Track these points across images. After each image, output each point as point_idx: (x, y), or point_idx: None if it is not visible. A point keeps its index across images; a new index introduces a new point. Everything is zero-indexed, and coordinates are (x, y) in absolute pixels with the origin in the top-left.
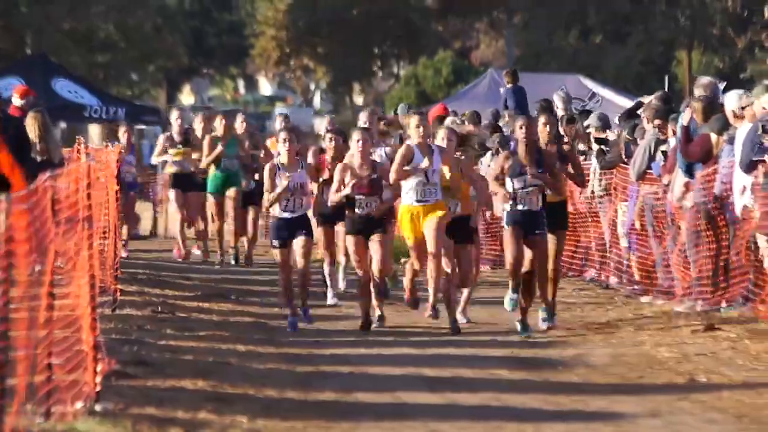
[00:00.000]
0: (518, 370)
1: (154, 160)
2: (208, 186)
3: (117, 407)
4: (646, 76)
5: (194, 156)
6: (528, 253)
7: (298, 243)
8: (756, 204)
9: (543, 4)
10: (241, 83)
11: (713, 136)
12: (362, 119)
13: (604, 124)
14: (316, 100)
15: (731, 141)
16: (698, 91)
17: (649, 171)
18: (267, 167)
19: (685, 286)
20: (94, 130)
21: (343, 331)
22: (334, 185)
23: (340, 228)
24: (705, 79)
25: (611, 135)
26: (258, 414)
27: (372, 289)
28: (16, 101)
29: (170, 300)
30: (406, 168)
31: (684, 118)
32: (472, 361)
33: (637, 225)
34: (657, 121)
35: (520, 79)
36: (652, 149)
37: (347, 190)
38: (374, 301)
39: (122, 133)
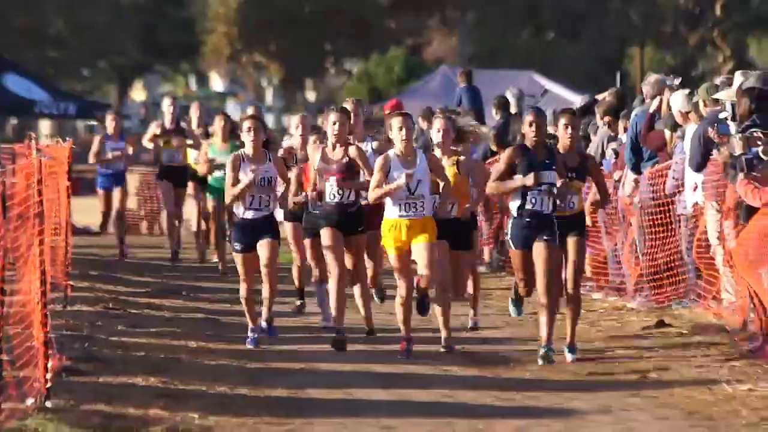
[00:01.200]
0: (470, 366)
1: (144, 142)
2: (210, 188)
3: (68, 403)
4: (599, 73)
5: (189, 143)
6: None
7: (262, 247)
8: (707, 202)
9: (496, 2)
10: (192, 79)
11: (667, 132)
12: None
13: (556, 119)
14: (268, 97)
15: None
16: (646, 88)
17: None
18: (230, 158)
19: (635, 282)
20: (45, 126)
21: (295, 328)
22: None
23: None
24: (653, 76)
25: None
26: (209, 410)
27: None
28: None
29: (122, 296)
30: (385, 187)
31: (652, 107)
32: (424, 357)
33: (588, 221)
34: (607, 118)
35: (474, 77)
36: (604, 145)
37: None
38: (333, 307)
39: (110, 121)
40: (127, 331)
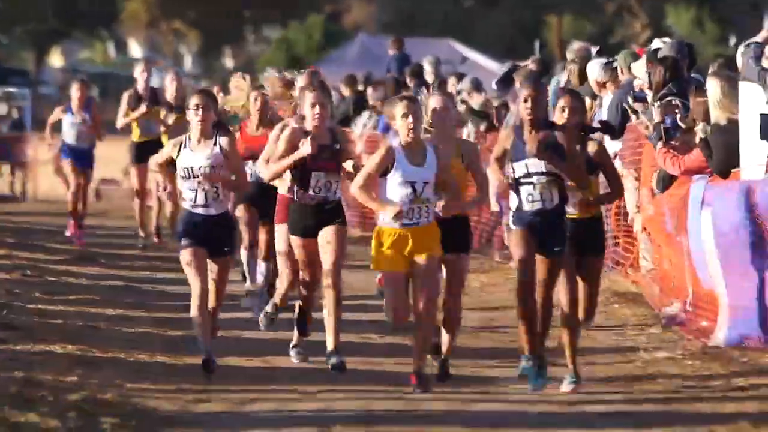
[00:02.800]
0: (389, 334)
1: (120, 123)
2: None
3: None
4: (518, 41)
5: (163, 115)
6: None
7: (216, 266)
8: (625, 170)
9: None
10: (111, 46)
11: (587, 100)
12: (301, 81)
13: (477, 87)
14: (187, 64)
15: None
16: (570, 55)
17: None
18: (170, 142)
19: None
20: None
21: None
22: (271, 150)
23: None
24: (577, 44)
25: (477, 99)
26: (127, 378)
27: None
28: None
29: (40, 264)
30: (371, 197)
31: (562, 79)
32: (344, 325)
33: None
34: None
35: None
36: None
37: (301, 152)
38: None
39: (75, 90)
40: (45, 298)
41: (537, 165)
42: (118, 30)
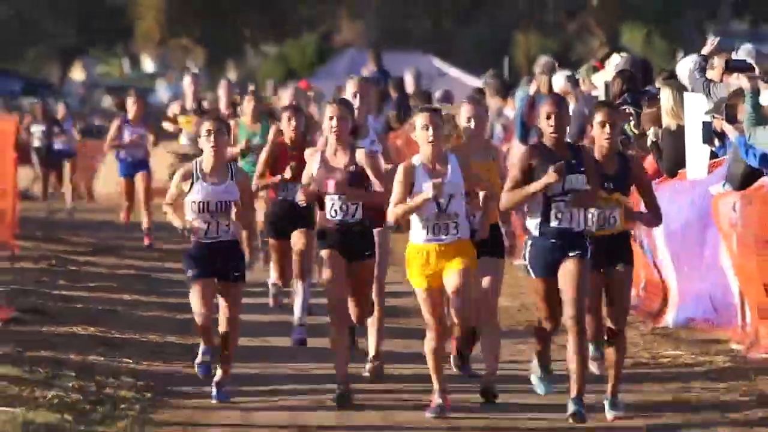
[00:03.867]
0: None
1: (164, 125)
2: None
3: (15, 351)
4: (490, 57)
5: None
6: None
7: (226, 293)
8: None
9: None
10: (126, 62)
11: None
12: (349, 89)
13: (446, 98)
14: None
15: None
16: (538, 69)
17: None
18: (178, 173)
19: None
20: None
21: None
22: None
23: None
24: (543, 59)
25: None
26: (142, 357)
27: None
28: None
29: (64, 255)
30: (402, 207)
31: (531, 89)
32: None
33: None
34: (497, 96)
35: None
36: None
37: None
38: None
39: (131, 104)
40: (69, 285)
41: (576, 182)
42: (132, 47)
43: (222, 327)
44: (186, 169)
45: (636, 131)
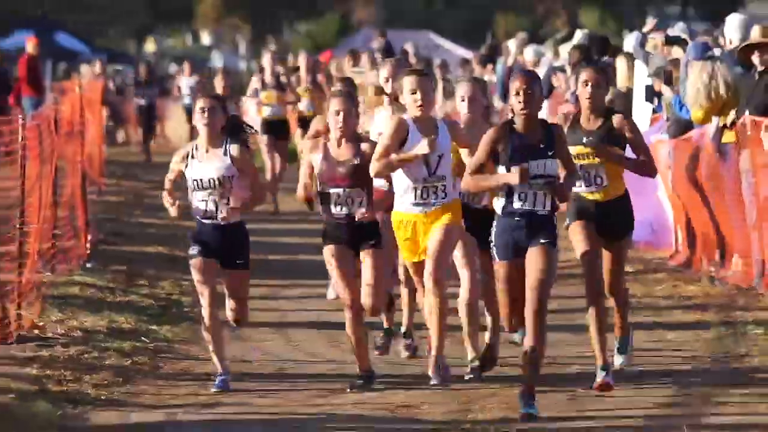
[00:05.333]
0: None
1: (245, 99)
2: None
3: (100, 266)
4: (474, 33)
5: (290, 99)
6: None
7: (231, 282)
8: None
9: None
10: (188, 37)
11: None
12: (384, 73)
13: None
14: (242, 49)
15: None
16: (516, 42)
17: None
18: (177, 153)
19: None
20: (85, 69)
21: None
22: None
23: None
24: (521, 35)
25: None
26: None
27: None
28: (30, 49)
29: (140, 190)
30: (395, 156)
31: (510, 60)
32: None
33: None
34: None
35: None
36: None
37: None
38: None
39: (218, 80)
40: (143, 214)
41: (538, 167)
42: (193, 24)
43: (230, 315)
44: (183, 150)
45: None
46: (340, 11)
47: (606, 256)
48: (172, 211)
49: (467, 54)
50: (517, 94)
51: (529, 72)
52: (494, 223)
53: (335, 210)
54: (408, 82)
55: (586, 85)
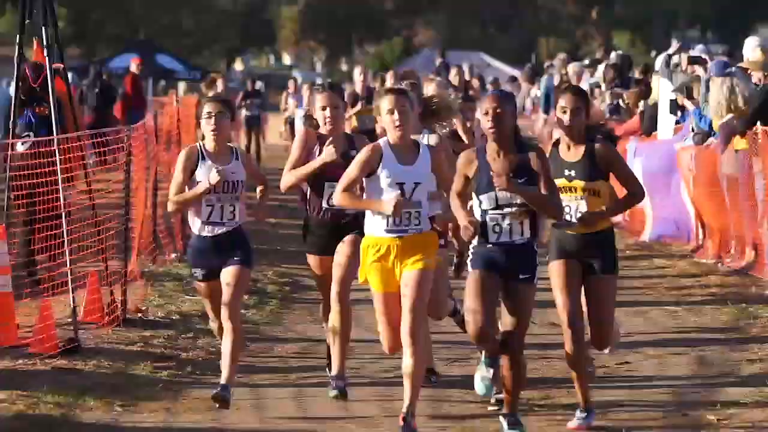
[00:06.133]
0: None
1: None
2: None
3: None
4: (521, 53)
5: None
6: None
7: (226, 275)
8: None
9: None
10: (271, 57)
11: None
12: (388, 82)
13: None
14: (318, 68)
15: None
16: (557, 62)
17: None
18: (182, 154)
19: None
20: (181, 86)
21: None
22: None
23: None
24: (562, 55)
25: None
26: (282, 262)
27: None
28: (134, 68)
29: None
30: (361, 201)
31: (555, 77)
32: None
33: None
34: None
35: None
36: (524, 99)
37: (322, 158)
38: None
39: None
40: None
41: (508, 196)
42: (276, 47)
43: (223, 315)
44: (189, 151)
45: (623, 105)
46: (404, 34)
47: (589, 301)
48: (215, 179)
49: (515, 72)
50: (486, 114)
51: (503, 92)
52: (471, 253)
53: (326, 204)
54: (386, 100)
55: (565, 112)
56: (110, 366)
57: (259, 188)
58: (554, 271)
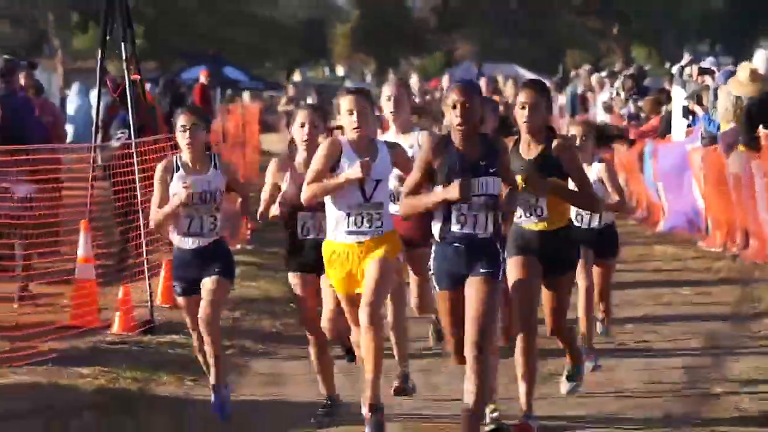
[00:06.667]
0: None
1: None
2: None
3: (258, 247)
4: (550, 66)
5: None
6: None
7: (205, 286)
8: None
9: (496, 23)
10: (326, 69)
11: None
12: (386, 92)
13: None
14: (368, 79)
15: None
16: (582, 72)
17: None
18: (158, 168)
19: None
20: (246, 95)
21: None
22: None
23: None
24: (586, 67)
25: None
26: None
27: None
28: (203, 79)
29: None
30: (331, 181)
31: (579, 87)
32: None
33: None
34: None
35: (482, 66)
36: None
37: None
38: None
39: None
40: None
41: (479, 185)
42: (330, 59)
43: (201, 328)
44: (165, 164)
45: (642, 111)
46: (445, 48)
47: (546, 295)
48: (183, 195)
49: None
50: (454, 107)
51: (471, 84)
52: (433, 250)
53: (301, 236)
54: (345, 101)
55: (523, 107)
56: (181, 344)
57: (238, 202)
58: (513, 265)
